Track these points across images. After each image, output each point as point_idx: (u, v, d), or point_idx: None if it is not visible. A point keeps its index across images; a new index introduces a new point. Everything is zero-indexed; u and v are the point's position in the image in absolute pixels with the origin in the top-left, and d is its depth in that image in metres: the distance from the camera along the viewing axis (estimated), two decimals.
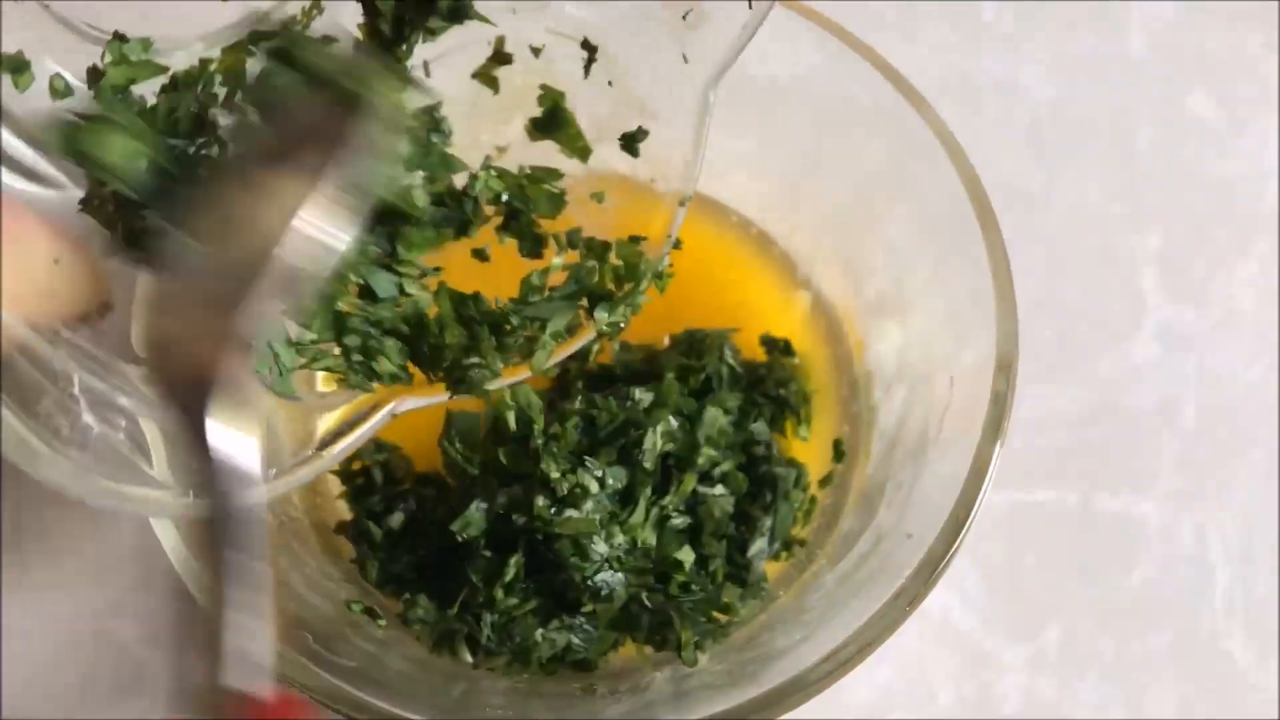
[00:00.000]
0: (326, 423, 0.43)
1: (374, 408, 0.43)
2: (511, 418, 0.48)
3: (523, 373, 0.43)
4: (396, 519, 0.49)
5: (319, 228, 0.33)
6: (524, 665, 0.47)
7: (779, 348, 0.54)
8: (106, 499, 0.38)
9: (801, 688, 0.38)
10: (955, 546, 0.39)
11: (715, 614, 0.48)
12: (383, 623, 0.49)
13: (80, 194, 0.39)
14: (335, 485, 0.53)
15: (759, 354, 0.54)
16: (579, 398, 0.49)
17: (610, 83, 0.43)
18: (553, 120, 0.43)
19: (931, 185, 0.45)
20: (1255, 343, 0.62)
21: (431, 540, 0.49)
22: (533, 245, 0.44)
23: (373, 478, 0.51)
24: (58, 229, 0.35)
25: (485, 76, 0.44)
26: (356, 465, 0.52)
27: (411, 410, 0.44)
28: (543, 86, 0.42)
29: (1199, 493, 0.59)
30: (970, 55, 0.67)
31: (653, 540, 0.47)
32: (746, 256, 0.56)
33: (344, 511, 0.53)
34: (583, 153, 0.43)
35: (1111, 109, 0.67)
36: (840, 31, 0.46)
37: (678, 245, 0.43)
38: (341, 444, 0.43)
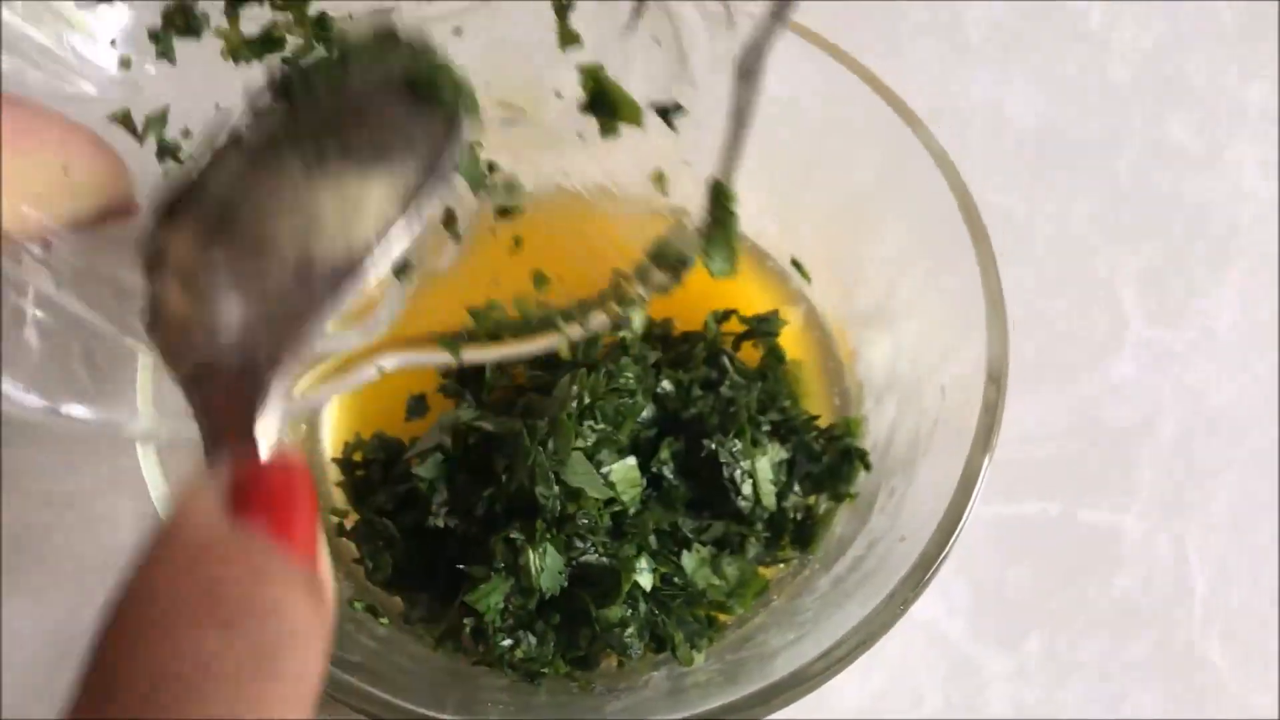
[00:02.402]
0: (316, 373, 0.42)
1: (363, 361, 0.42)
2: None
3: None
4: (410, 517, 0.49)
5: (394, 232, 0.31)
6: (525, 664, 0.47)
7: (773, 355, 0.54)
8: (32, 414, 0.36)
9: (797, 684, 0.39)
10: (948, 549, 0.40)
11: (709, 613, 0.49)
12: (385, 620, 0.49)
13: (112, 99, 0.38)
14: (338, 492, 0.53)
15: (753, 362, 0.54)
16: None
17: (658, 41, 0.40)
18: (600, 97, 0.41)
19: (924, 199, 0.45)
20: (1231, 362, 0.63)
21: (433, 537, 0.49)
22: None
23: (371, 475, 0.51)
24: (75, 133, 0.34)
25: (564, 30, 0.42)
26: (359, 457, 0.52)
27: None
28: (579, 67, 0.40)
29: (1177, 506, 0.60)
30: (956, 80, 0.68)
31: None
32: (741, 271, 0.57)
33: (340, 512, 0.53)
34: (635, 115, 0.41)
35: (1093, 134, 0.67)
36: (834, 50, 0.47)
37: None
38: (324, 390, 0.42)
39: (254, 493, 0.28)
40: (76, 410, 0.38)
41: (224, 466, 0.28)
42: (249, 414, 0.30)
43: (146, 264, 0.34)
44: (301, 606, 0.26)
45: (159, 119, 0.40)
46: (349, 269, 0.31)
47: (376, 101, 0.35)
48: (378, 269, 0.31)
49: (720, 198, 0.38)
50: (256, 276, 0.31)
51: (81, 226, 0.35)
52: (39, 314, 0.37)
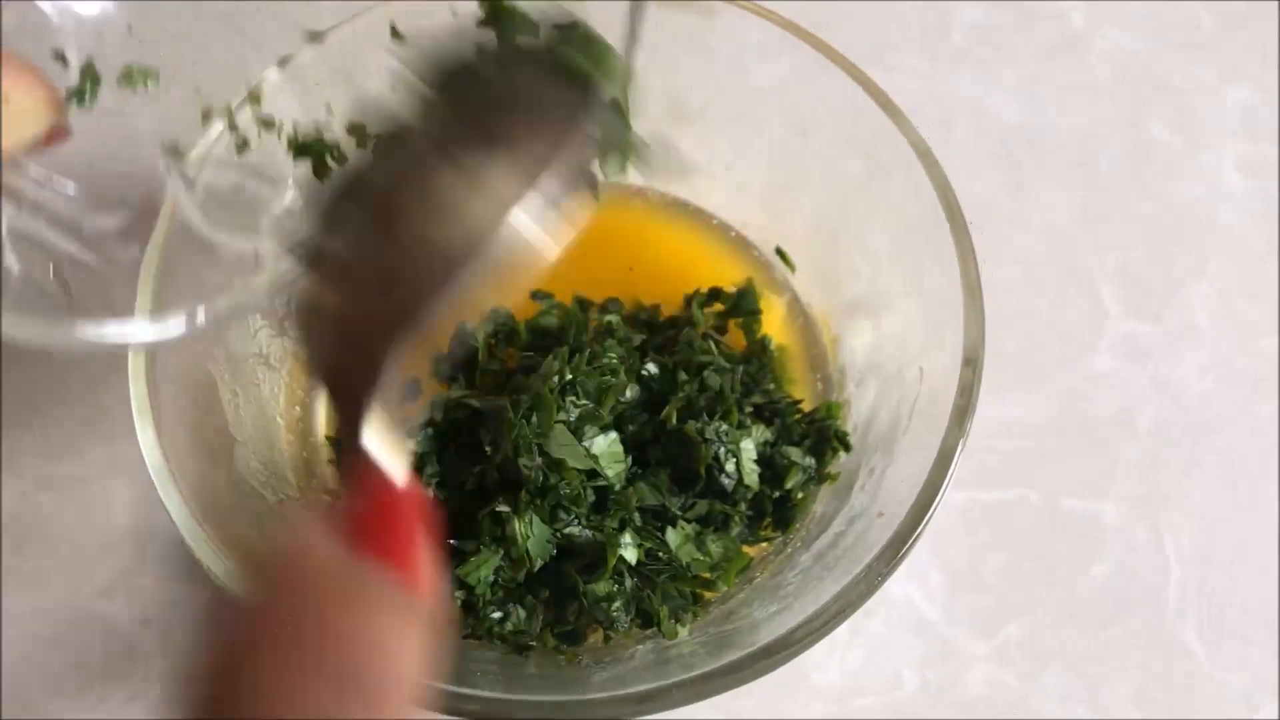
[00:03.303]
0: None
1: None
2: None
3: None
4: None
5: (535, 223, 0.31)
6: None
7: (757, 343, 0.55)
8: (22, 334, 0.37)
9: (778, 651, 0.40)
10: (924, 523, 0.41)
11: (693, 589, 0.49)
12: None
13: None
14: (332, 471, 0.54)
15: (738, 347, 0.55)
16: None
17: None
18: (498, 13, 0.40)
19: (906, 191, 0.46)
20: (1208, 356, 0.64)
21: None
22: None
23: None
24: (11, 64, 0.35)
25: None
26: None
27: None
28: None
29: (1155, 495, 0.61)
30: (942, 79, 0.69)
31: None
32: (726, 259, 0.58)
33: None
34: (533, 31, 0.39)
35: (1075, 133, 0.69)
36: (820, 44, 0.48)
37: None
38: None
39: (373, 522, 0.29)
40: (58, 329, 0.38)
41: (346, 490, 0.29)
42: (378, 414, 0.30)
43: (305, 263, 0.34)
44: (413, 644, 0.27)
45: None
46: (471, 255, 0.31)
47: (522, 86, 0.35)
48: (501, 252, 0.31)
49: (616, 111, 0.38)
50: (397, 270, 0.31)
51: (26, 153, 0.37)
52: (10, 241, 0.38)
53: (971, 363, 0.43)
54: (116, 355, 0.45)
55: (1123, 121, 0.69)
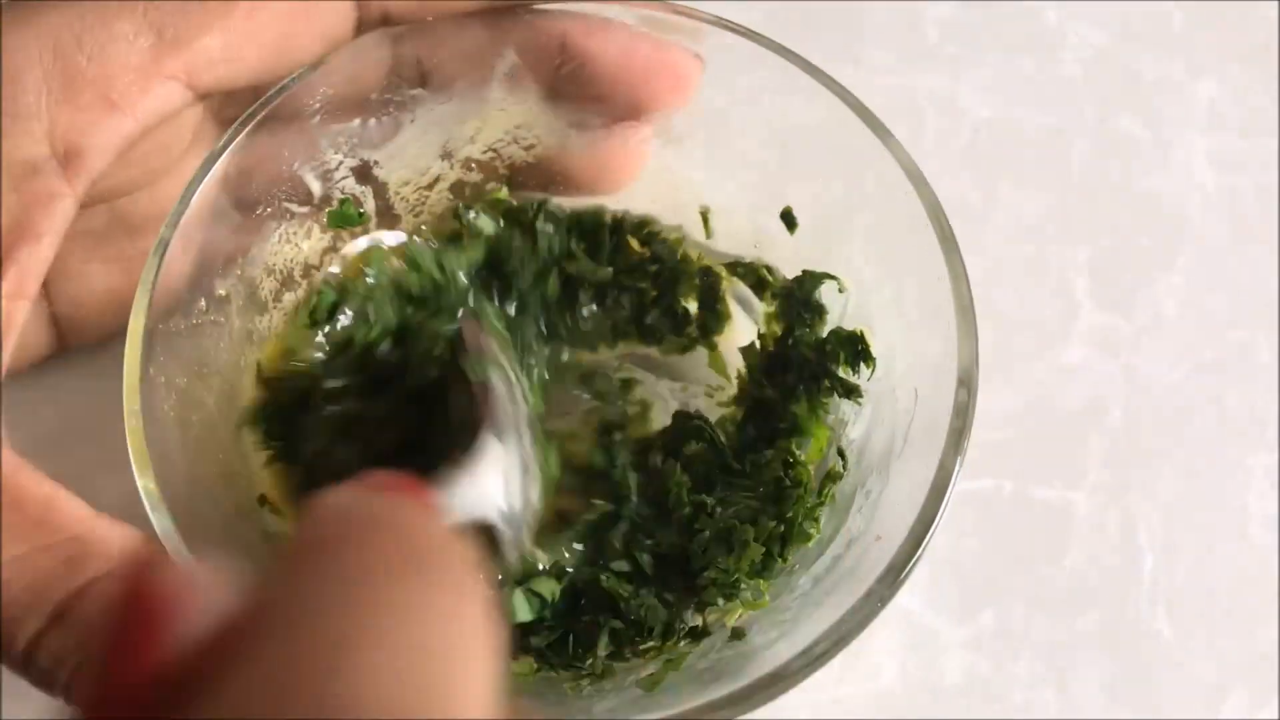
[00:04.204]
0: None
1: None
2: None
3: None
4: None
5: None
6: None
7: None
8: None
9: (780, 680, 0.39)
10: (922, 548, 0.40)
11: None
12: None
13: None
14: None
15: None
16: None
17: None
18: None
19: (897, 214, 0.45)
20: (1178, 348, 0.64)
21: None
22: None
23: None
24: None
25: None
26: None
27: None
28: None
29: (1125, 485, 0.61)
30: (914, 76, 0.68)
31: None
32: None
33: None
34: None
35: (1046, 128, 0.68)
36: (805, 64, 0.46)
37: None
38: None
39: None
40: None
41: None
42: None
43: None
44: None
45: None
46: None
47: None
48: None
49: None
50: None
51: None
52: None
53: (966, 383, 0.42)
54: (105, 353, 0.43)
55: (1093, 117, 0.68)
